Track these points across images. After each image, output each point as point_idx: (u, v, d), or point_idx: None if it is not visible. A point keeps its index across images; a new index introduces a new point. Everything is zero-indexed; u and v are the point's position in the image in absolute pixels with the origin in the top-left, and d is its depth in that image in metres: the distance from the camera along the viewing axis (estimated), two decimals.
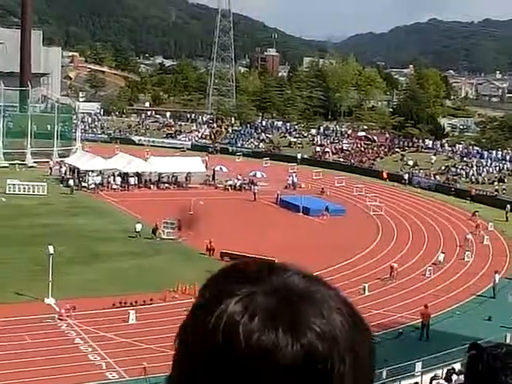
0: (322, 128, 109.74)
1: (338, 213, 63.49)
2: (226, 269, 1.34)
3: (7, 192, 64.51)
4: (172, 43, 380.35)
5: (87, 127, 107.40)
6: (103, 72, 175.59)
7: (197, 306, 1.29)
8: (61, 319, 33.95)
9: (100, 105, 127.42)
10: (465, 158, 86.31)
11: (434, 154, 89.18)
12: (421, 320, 35.67)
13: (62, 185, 70.59)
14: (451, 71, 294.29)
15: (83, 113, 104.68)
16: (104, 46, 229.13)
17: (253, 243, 49.28)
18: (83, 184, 69.83)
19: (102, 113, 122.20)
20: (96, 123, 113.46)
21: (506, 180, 76.58)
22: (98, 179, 70.31)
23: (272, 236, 52.84)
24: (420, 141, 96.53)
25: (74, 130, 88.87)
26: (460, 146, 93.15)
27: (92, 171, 71.08)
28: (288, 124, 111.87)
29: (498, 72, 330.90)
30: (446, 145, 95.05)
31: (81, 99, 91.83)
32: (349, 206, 67.10)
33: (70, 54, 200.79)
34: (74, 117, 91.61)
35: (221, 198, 68.38)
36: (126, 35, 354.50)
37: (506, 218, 64.64)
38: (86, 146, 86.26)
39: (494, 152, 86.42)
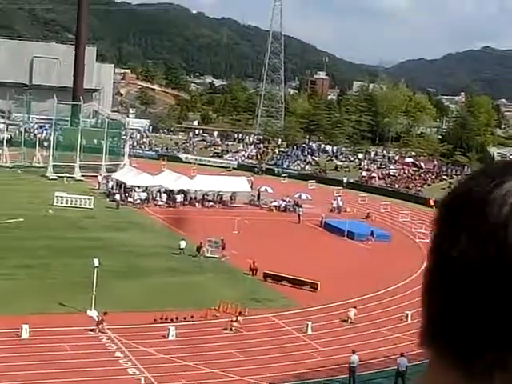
0: (370, 153, 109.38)
1: (382, 238, 62.99)
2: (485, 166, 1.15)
3: (55, 204, 65.29)
4: (223, 63, 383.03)
5: (135, 143, 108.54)
6: (154, 89, 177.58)
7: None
8: (102, 332, 34.11)
9: (149, 122, 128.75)
10: None
11: None
12: None
13: (108, 199, 71.27)
14: (503, 100, 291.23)
15: (132, 129, 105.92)
16: (155, 63, 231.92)
17: (296, 265, 49.08)
18: (129, 199, 70.41)
19: (150, 129, 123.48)
20: (144, 140, 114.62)
21: None
22: (144, 195, 70.83)
23: (316, 259, 52.59)
24: (468, 169, 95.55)
25: (122, 146, 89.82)
26: None
27: (138, 187, 71.65)
28: (335, 147, 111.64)
29: None
30: None
31: (131, 115, 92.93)
32: (394, 232, 66.57)
33: (122, 70, 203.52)
34: (123, 133, 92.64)
35: (265, 218, 68.35)
36: (178, 54, 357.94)
37: None
38: (133, 161, 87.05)
39: None
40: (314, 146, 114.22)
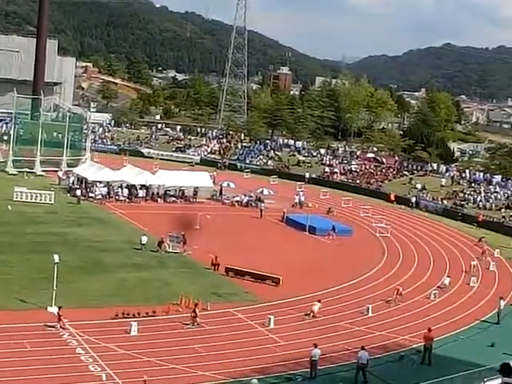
0: (332, 148, 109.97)
1: (344, 233, 63.38)
2: None
3: (14, 199, 64.62)
4: (186, 58, 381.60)
5: (97, 138, 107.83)
6: (116, 83, 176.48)
7: None
8: (63, 328, 33.86)
9: (111, 116, 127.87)
10: (473, 184, 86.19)
11: (443, 177, 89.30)
12: (423, 343, 35.45)
13: (69, 194, 70.69)
14: (463, 96, 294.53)
15: (94, 123, 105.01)
16: (118, 57, 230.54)
17: (258, 260, 49.27)
18: (90, 194, 69.94)
19: (112, 124, 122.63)
20: (106, 134, 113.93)
21: None
22: (105, 190, 70.42)
23: (277, 254, 52.80)
24: (429, 165, 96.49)
25: (83, 140, 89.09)
26: (468, 171, 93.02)
27: (100, 182, 71.20)
28: (298, 142, 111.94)
29: (510, 99, 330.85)
30: (455, 169, 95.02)
31: (92, 109, 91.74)
32: (355, 227, 67.02)
33: (84, 64, 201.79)
34: (85, 127, 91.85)
35: (227, 213, 68.40)
36: (141, 48, 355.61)
37: None
38: (95, 156, 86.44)
39: (503, 178, 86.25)
40: (280, 140, 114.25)
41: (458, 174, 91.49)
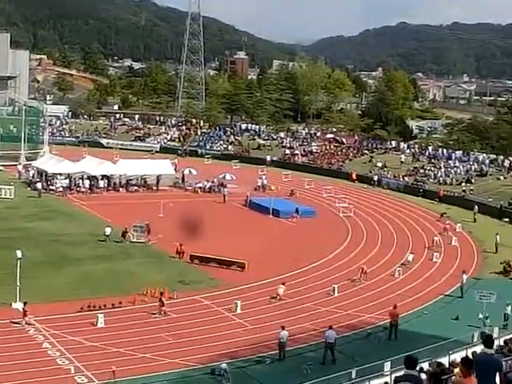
0: (292, 130, 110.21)
1: (307, 214, 63.65)
2: None
3: None
4: (141, 46, 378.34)
5: (55, 130, 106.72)
6: (71, 75, 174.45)
7: None
8: (28, 323, 33.64)
9: (68, 108, 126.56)
10: (433, 160, 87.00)
11: (402, 153, 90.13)
12: (389, 320, 35.84)
13: (29, 188, 69.97)
14: (419, 74, 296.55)
15: (51, 116, 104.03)
16: (72, 48, 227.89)
17: (223, 246, 49.28)
18: (51, 187, 69.32)
19: (70, 116, 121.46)
20: (64, 126, 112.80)
21: (473, 181, 77.29)
22: (66, 182, 69.83)
23: (242, 238, 52.89)
24: (388, 142, 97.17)
25: (41, 133, 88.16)
26: (428, 147, 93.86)
27: (60, 174, 70.57)
28: (257, 127, 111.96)
29: (465, 75, 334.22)
30: (416, 146, 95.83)
31: (48, 102, 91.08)
32: (318, 208, 67.31)
33: (38, 56, 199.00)
34: (42, 120, 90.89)
35: (191, 200, 68.27)
36: (95, 38, 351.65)
37: (474, 219, 65.18)
38: (53, 149, 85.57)
39: (461, 153, 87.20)
40: (240, 125, 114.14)
41: (418, 150, 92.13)
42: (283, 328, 32.55)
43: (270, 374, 29.90)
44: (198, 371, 30.13)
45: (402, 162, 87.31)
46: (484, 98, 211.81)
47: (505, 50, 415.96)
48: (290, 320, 35.67)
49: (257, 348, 32.86)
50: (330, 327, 32.95)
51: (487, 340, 12.38)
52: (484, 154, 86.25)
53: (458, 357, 24.29)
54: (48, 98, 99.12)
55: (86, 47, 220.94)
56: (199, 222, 49.38)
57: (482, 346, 26.49)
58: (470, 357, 9.96)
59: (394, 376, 18.14)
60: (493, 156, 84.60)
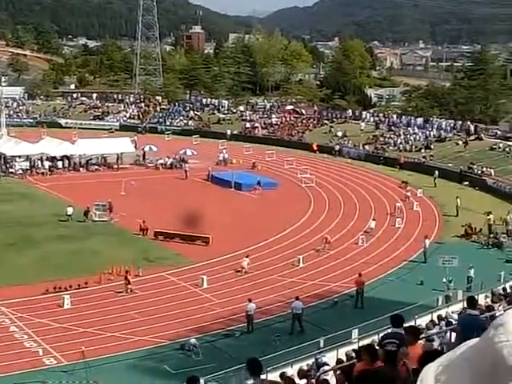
0: (251, 103, 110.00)
1: (270, 186, 63.78)
2: None
3: None
4: (96, 24, 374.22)
5: (12, 112, 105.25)
6: (25, 55, 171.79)
7: None
8: None
9: (24, 89, 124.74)
10: (392, 127, 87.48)
11: (362, 121, 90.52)
12: (355, 288, 36.19)
13: None
14: (376, 42, 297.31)
15: (7, 98, 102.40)
16: (25, 28, 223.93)
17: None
18: (10, 170, 68.54)
19: (26, 97, 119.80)
20: (21, 107, 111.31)
21: (432, 147, 77.96)
22: (26, 164, 69.08)
23: (205, 213, 52.82)
24: (348, 112, 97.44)
25: None
26: (387, 115, 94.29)
27: (19, 156, 69.77)
28: (216, 101, 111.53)
29: (420, 41, 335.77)
30: (374, 115, 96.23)
31: (3, 84, 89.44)
32: (280, 180, 67.45)
33: None
34: None
35: (152, 177, 67.98)
36: (48, 17, 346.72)
37: (435, 184, 65.81)
38: (11, 131, 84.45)
39: (420, 120, 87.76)
40: (194, 100, 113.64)
41: (378, 118, 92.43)
42: (250, 300, 32.72)
43: (240, 347, 30.06)
44: (167, 347, 30.22)
45: (361, 130, 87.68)
46: (440, 63, 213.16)
47: (459, 16, 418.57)
48: (256, 292, 35.85)
49: (225, 322, 33.02)
50: (297, 298, 33.19)
51: (470, 301, 12.60)
52: (443, 120, 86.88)
53: (423, 321, 24.70)
54: (3, 79, 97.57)
55: (39, 27, 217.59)
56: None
57: (448, 309, 26.90)
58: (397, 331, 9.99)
59: (380, 335, 18.30)
60: (451, 121, 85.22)
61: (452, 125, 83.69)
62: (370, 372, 7.01)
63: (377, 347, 10.01)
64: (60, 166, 70.09)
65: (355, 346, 23.51)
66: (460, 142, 76.82)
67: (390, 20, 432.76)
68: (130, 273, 37.30)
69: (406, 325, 11.57)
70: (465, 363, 1.94)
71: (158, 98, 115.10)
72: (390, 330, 10.48)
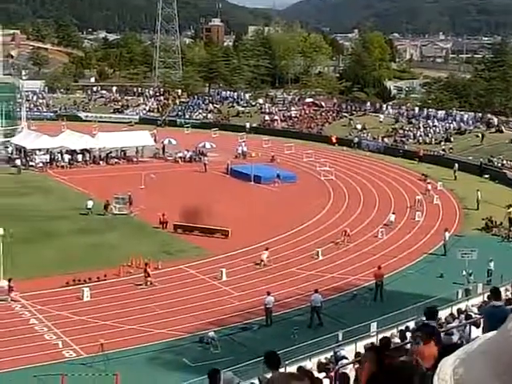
0: (271, 96, 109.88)
1: (289, 180, 63.71)
2: None
3: None
4: (115, 17, 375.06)
5: (32, 105, 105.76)
6: (46, 49, 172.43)
7: None
8: (14, 300, 33.61)
9: (44, 82, 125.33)
10: (412, 120, 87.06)
11: (381, 113, 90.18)
12: (374, 281, 36.09)
13: (8, 165, 69.41)
14: (395, 34, 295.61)
15: (27, 91, 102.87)
16: (46, 22, 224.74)
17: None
18: (31, 163, 68.89)
19: (46, 90, 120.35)
20: (41, 101, 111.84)
21: (452, 139, 77.52)
22: (46, 157, 69.41)
23: (225, 206, 52.79)
24: (367, 104, 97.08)
25: (18, 109, 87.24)
26: (406, 107, 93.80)
27: (39, 150, 70.13)
28: (236, 93, 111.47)
29: (440, 33, 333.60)
30: (393, 107, 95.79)
31: (24, 77, 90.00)
32: (299, 173, 67.34)
33: (11, 31, 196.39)
34: (18, 95, 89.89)
35: (172, 170, 68.10)
36: (68, 11, 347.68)
37: (455, 176, 65.47)
38: (31, 124, 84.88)
39: (440, 112, 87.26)
40: (214, 93, 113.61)
41: (397, 111, 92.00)
42: (269, 294, 32.73)
43: (258, 340, 30.07)
44: (185, 340, 30.29)
45: (380, 122, 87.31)
46: (460, 55, 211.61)
47: (480, 7, 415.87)
48: (275, 285, 35.86)
49: (243, 315, 33.04)
50: (316, 291, 33.15)
51: (495, 292, 12.53)
52: (463, 112, 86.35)
53: (443, 315, 24.57)
54: (23, 73, 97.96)
55: (59, 20, 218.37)
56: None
57: (468, 302, 26.75)
58: (430, 323, 9.89)
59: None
60: (471, 114, 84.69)
61: (472, 117, 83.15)
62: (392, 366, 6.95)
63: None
64: (80, 160, 70.35)
65: (373, 340, 23.48)
66: (480, 135, 76.27)
67: (409, 12, 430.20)
68: (149, 265, 37.41)
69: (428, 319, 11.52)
70: (482, 356, 1.92)
71: (177, 90, 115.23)
72: (423, 322, 10.45)
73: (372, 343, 13.16)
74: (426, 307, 10.58)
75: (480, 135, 75.65)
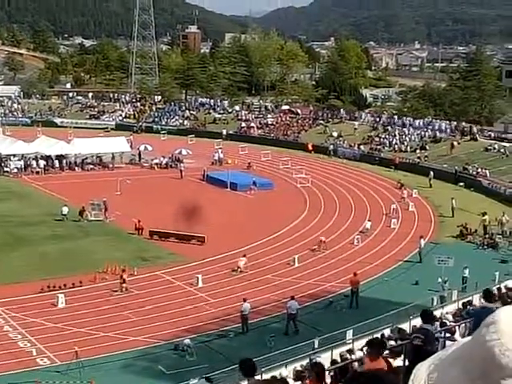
0: (247, 103, 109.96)
1: (265, 187, 63.71)
2: None
3: None
4: (91, 23, 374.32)
5: (7, 111, 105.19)
6: (21, 54, 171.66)
7: None
8: None
9: (20, 88, 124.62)
10: (387, 128, 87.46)
11: (358, 121, 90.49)
12: (350, 288, 36.16)
13: None
14: (371, 42, 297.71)
15: (2, 96, 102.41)
16: (21, 27, 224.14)
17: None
18: (5, 169, 68.41)
19: (21, 96, 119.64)
20: (16, 106, 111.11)
21: (427, 147, 77.97)
22: (21, 163, 68.95)
23: (201, 213, 52.64)
24: (342, 111, 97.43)
25: None
26: (383, 115, 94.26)
27: (14, 155, 69.67)
28: (212, 100, 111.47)
29: (416, 42, 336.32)
30: (369, 115, 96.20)
31: None
32: (276, 180, 67.41)
33: None
34: None
35: (147, 176, 67.90)
36: (44, 16, 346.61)
37: (430, 184, 65.82)
38: (6, 130, 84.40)
39: (415, 120, 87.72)
40: (190, 100, 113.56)
41: (373, 119, 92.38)
42: (245, 300, 32.66)
43: (234, 348, 29.99)
44: (161, 348, 30.14)
45: (355, 129, 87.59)
46: (436, 64, 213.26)
47: (455, 17, 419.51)
48: (251, 292, 35.80)
49: (220, 322, 32.95)
50: (292, 297, 33.14)
51: (488, 295, 12.59)
52: (439, 121, 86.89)
53: (418, 322, 24.64)
54: None
55: (35, 26, 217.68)
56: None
57: (443, 310, 26.80)
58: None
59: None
60: (446, 122, 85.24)
61: (447, 125, 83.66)
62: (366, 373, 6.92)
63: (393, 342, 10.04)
64: (55, 166, 69.94)
65: (350, 347, 23.50)
66: (455, 143, 76.70)
67: (385, 20, 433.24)
68: (125, 271, 37.24)
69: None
70: (457, 362, 1.91)
71: (153, 97, 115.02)
72: (419, 325, 10.48)
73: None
74: (422, 310, 10.58)
75: (450, 144, 76.09)
